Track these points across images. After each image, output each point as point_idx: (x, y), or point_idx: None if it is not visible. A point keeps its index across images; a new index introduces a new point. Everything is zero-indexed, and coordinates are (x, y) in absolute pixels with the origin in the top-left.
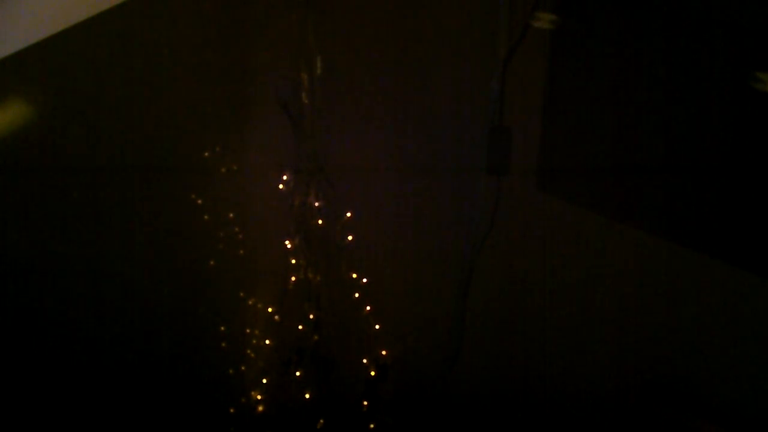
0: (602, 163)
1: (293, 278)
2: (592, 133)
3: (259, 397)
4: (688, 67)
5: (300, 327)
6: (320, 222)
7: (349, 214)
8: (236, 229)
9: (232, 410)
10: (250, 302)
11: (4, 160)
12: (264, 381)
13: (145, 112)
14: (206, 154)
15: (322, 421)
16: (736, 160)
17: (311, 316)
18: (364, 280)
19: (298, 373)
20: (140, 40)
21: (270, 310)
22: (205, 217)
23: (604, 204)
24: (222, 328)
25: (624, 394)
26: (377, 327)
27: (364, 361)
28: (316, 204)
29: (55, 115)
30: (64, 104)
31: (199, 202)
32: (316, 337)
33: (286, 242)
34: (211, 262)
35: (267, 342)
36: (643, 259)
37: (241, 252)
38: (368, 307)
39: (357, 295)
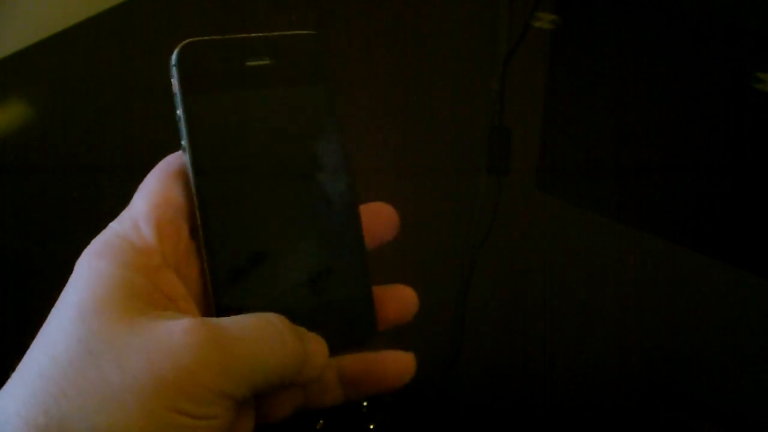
0: (602, 163)
1: None
2: (591, 133)
3: None
4: (688, 67)
5: None
6: None
7: None
8: None
9: None
10: None
11: (4, 160)
12: None
13: (145, 112)
14: None
15: (321, 421)
16: (736, 160)
17: None
18: None
19: None
20: (140, 40)
21: None
22: None
23: (604, 204)
24: None
25: (624, 394)
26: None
27: None
28: None
29: (55, 115)
30: (64, 104)
31: None
32: None
33: None
34: None
35: None
36: (643, 259)
37: None
38: None
39: None
